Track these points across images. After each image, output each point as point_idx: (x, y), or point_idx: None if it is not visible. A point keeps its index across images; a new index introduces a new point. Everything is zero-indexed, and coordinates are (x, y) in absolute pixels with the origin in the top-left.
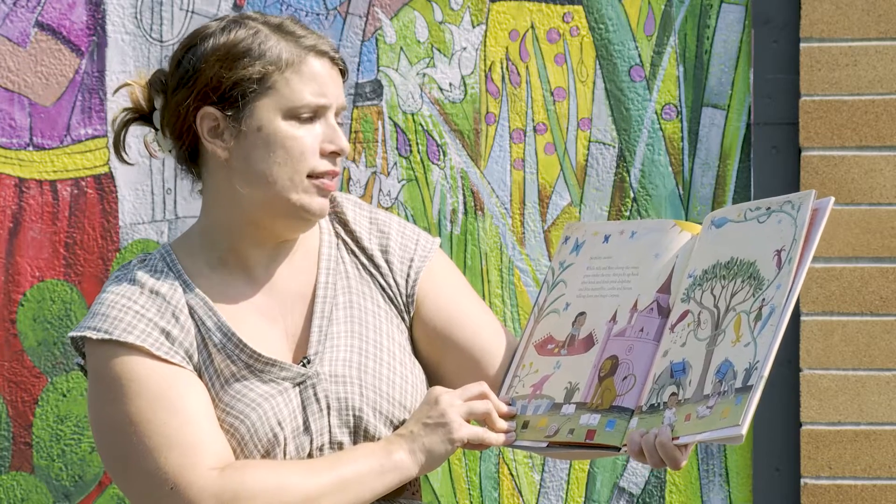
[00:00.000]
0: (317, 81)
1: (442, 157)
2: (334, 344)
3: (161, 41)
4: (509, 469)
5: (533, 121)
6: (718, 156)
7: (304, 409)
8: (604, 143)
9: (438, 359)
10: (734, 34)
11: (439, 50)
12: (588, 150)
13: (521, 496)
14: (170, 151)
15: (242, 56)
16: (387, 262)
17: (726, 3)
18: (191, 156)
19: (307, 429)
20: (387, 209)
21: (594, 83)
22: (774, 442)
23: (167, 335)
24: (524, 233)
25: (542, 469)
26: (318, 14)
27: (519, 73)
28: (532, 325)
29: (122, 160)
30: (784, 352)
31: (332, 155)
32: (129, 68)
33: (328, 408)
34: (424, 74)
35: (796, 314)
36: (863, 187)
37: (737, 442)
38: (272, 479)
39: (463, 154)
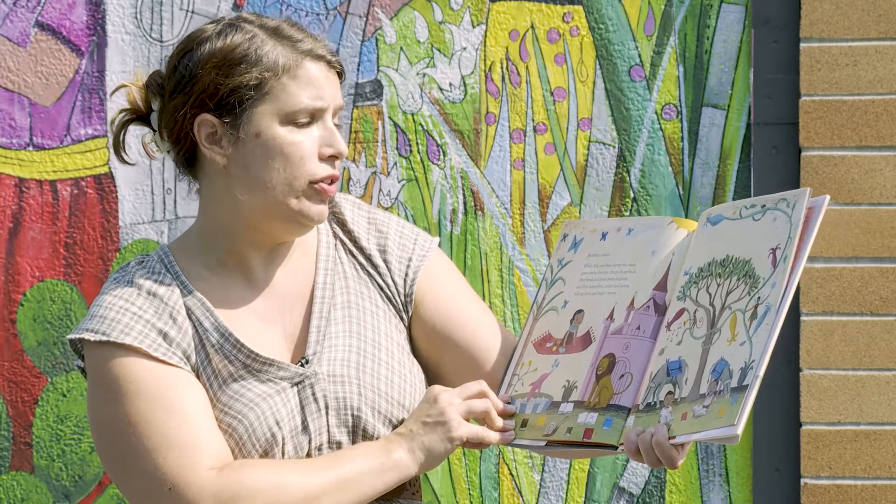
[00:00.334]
0: (313, 85)
1: (442, 157)
2: (333, 344)
3: (161, 41)
4: (509, 469)
5: (533, 121)
6: (718, 156)
7: (302, 408)
8: (604, 143)
9: (437, 358)
10: (734, 34)
11: (439, 50)
12: (588, 150)
13: (521, 496)
14: (168, 152)
15: (239, 62)
16: (385, 261)
17: (726, 3)
18: (189, 160)
19: (305, 428)
20: (387, 209)
21: (594, 83)
22: (774, 442)
23: (165, 336)
24: (524, 233)
25: (542, 469)
26: (318, 14)
27: (519, 73)
28: (531, 323)
29: (122, 161)
30: (784, 352)
31: (331, 158)
32: (129, 68)
33: (326, 407)
34: (424, 74)
35: (796, 314)
36: (863, 187)
37: (733, 442)
38: (271, 479)
39: (463, 154)
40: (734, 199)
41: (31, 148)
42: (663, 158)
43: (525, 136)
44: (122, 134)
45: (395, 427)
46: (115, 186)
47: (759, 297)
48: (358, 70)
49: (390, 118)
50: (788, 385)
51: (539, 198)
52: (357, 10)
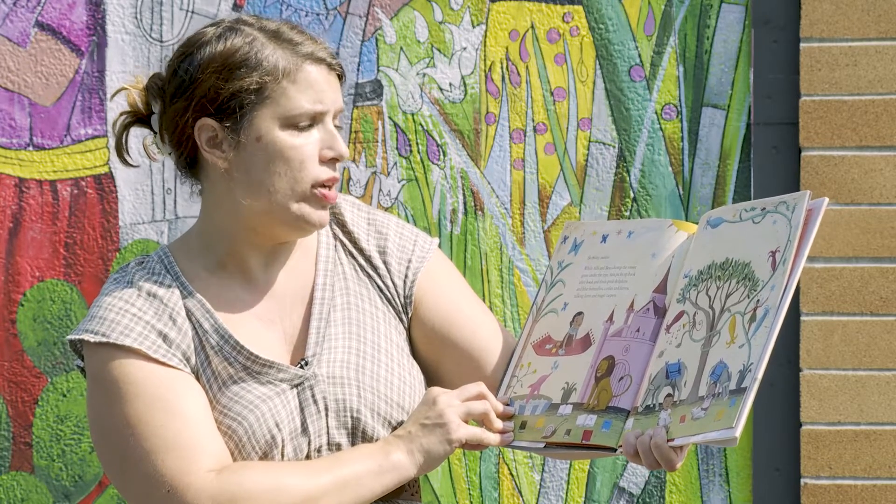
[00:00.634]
0: (313, 89)
1: (442, 157)
2: (332, 345)
3: (161, 41)
4: (509, 469)
5: (533, 121)
6: (718, 156)
7: (301, 410)
8: (604, 143)
9: (437, 359)
10: (734, 34)
11: (439, 50)
12: (588, 150)
13: (521, 496)
14: (168, 155)
15: (239, 66)
16: (384, 262)
17: (726, 3)
18: (190, 163)
19: (305, 430)
20: (387, 209)
21: (594, 83)
22: (774, 442)
23: (164, 338)
24: (524, 233)
25: (542, 469)
26: (318, 14)
27: (519, 73)
28: (530, 324)
29: (125, 163)
30: (784, 352)
31: (332, 161)
32: (129, 68)
33: (326, 409)
34: (424, 74)
35: (796, 314)
36: (863, 187)
37: (731, 444)
38: (270, 481)
39: (463, 154)
40: (734, 199)
41: (31, 148)
42: (663, 158)
43: (525, 136)
44: (123, 136)
45: (394, 429)
46: (115, 186)
47: (758, 300)
48: (358, 70)
49: (390, 118)
50: (788, 385)
51: (539, 198)
52: (357, 10)
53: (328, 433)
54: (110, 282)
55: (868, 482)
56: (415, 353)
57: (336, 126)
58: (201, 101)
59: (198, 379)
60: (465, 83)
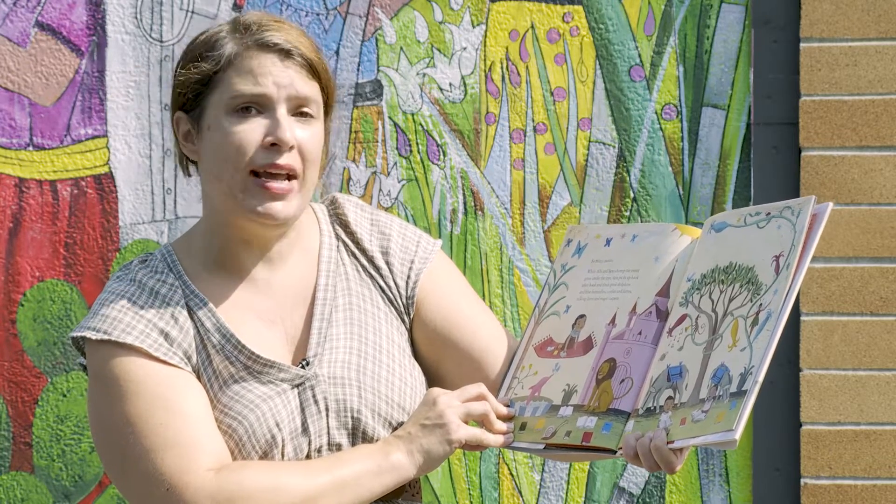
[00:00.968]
0: (253, 73)
1: (442, 157)
2: (333, 346)
3: (161, 41)
4: (509, 469)
5: (533, 121)
6: (718, 156)
7: (302, 410)
8: (604, 143)
9: (438, 360)
10: (734, 34)
11: (439, 50)
12: (588, 150)
13: (521, 496)
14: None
15: (198, 59)
16: (387, 263)
17: (726, 3)
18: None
19: (305, 430)
20: (387, 209)
21: (594, 83)
22: (774, 442)
23: (166, 336)
24: (524, 233)
25: (542, 469)
26: (318, 14)
27: (519, 73)
28: (532, 326)
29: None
30: (784, 352)
31: (273, 147)
32: (129, 68)
33: (327, 409)
34: (424, 74)
35: (796, 314)
36: (863, 187)
37: (731, 447)
38: (269, 480)
39: (463, 154)
40: (734, 199)
41: (31, 148)
42: (663, 158)
43: (525, 136)
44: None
45: (394, 429)
46: (115, 186)
47: (760, 304)
48: (358, 70)
49: (390, 118)
50: (788, 385)
51: (539, 198)
52: (357, 10)
53: (329, 433)
54: (113, 279)
55: (868, 482)
56: (416, 353)
57: (306, 115)
58: (178, 97)
59: (199, 378)
60: (465, 83)
